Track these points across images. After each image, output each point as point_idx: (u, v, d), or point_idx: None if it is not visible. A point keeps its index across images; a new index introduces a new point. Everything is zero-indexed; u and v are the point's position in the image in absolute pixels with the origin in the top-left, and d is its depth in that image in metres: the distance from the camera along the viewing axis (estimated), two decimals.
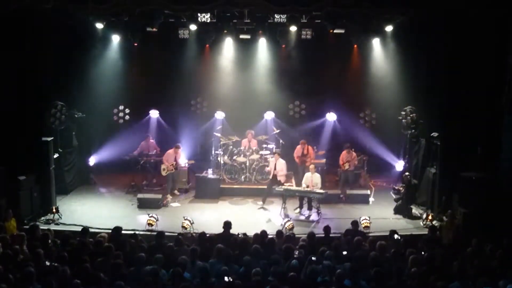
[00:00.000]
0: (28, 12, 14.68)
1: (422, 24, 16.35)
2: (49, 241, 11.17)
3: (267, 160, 17.96)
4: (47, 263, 9.60)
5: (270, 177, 16.79)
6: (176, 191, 17.68)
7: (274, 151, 17.74)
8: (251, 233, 12.14)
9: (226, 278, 8.91)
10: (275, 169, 16.61)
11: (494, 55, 14.40)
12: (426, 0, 14.87)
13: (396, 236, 11.94)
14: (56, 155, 16.38)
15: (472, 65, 14.70)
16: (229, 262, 9.87)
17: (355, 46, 19.12)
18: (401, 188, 16.63)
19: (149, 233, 13.68)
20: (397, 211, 15.94)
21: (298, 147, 17.93)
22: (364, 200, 17.10)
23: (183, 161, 18.06)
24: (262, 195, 16.79)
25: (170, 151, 17.40)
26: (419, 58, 17.19)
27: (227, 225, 12.23)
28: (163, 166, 17.28)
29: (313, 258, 9.82)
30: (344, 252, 10.59)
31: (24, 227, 13.22)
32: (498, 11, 13.92)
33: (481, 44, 14.47)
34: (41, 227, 13.04)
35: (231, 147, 18.68)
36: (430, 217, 14.81)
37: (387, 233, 12.47)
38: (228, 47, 19.59)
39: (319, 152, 18.60)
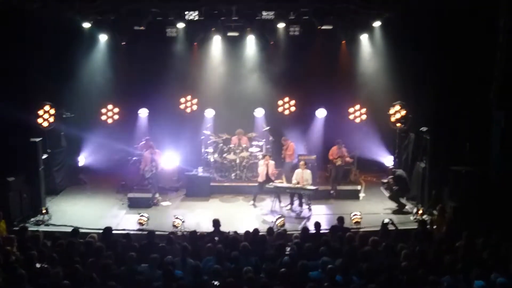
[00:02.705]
0: (14, 12, 14.57)
1: (410, 19, 16.40)
2: (40, 242, 11.09)
3: (257, 158, 17.94)
4: (38, 265, 9.52)
5: (264, 179, 16.63)
6: (158, 195, 17.10)
7: (264, 153, 17.65)
8: (242, 230, 12.14)
9: (215, 282, 8.89)
10: (267, 171, 16.57)
11: (482, 51, 14.46)
12: None
13: (386, 220, 12.18)
14: (45, 156, 16.27)
15: (461, 60, 14.75)
16: (221, 260, 9.85)
17: (343, 42, 19.10)
18: (390, 181, 16.70)
19: (140, 232, 13.63)
20: (393, 198, 16.07)
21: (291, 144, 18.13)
22: (354, 195, 17.18)
23: (160, 155, 17.65)
24: (252, 194, 16.78)
25: (146, 152, 17.27)
26: (408, 53, 17.24)
27: (216, 223, 12.22)
28: (145, 169, 17.08)
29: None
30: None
31: (14, 228, 13.13)
32: (487, 8, 13.98)
33: (470, 40, 14.52)
34: (31, 229, 13.02)
35: (221, 145, 18.65)
36: (420, 211, 14.87)
37: (378, 228, 12.56)
38: (216, 44, 19.50)
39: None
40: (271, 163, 16.72)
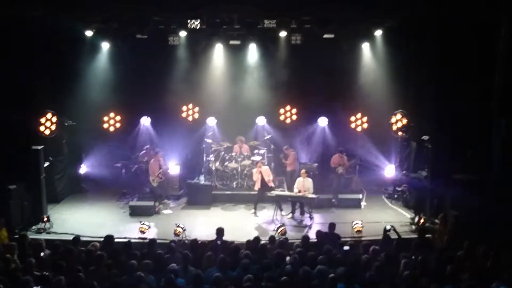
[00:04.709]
0: (17, 20, 14.62)
1: (411, 28, 16.44)
2: (41, 250, 11.08)
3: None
4: (37, 274, 9.50)
5: (260, 186, 16.63)
6: (166, 200, 17.45)
7: (257, 162, 17.51)
8: (243, 239, 12.12)
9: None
10: (262, 178, 16.53)
11: (483, 59, 14.48)
12: (414, 4, 14.94)
13: (388, 226, 12.22)
14: (46, 164, 16.29)
15: (462, 68, 14.77)
16: (222, 268, 9.83)
17: (345, 50, 19.11)
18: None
19: (141, 240, 13.61)
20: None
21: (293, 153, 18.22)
22: (356, 204, 17.15)
23: (167, 165, 17.85)
24: (253, 203, 16.72)
25: (152, 161, 17.27)
26: (409, 61, 17.28)
27: (220, 232, 12.19)
28: (151, 178, 17.07)
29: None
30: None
31: (15, 236, 13.12)
32: (487, 16, 14.02)
33: (471, 47, 14.55)
34: (33, 236, 13.00)
35: (222, 153, 18.65)
36: (422, 220, 14.83)
37: (380, 237, 12.53)
38: (218, 53, 19.54)
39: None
40: (264, 168, 16.68)
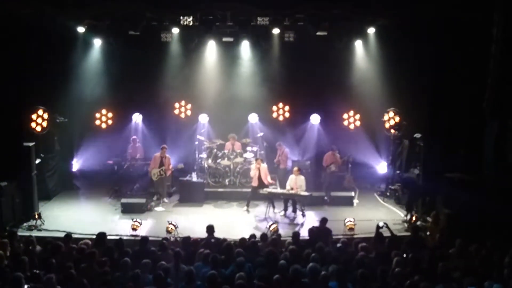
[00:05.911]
0: (8, 16, 14.53)
1: (404, 26, 16.46)
2: (30, 247, 11.03)
3: (252, 163, 17.88)
4: (27, 271, 9.45)
5: (257, 183, 16.62)
6: (165, 199, 17.45)
7: (256, 157, 17.58)
8: (236, 236, 12.10)
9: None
10: (260, 175, 16.54)
11: (476, 59, 14.52)
12: (407, 3, 14.96)
13: (380, 223, 12.27)
14: (38, 161, 16.18)
15: (455, 68, 14.81)
16: (215, 266, 9.80)
17: (338, 48, 19.08)
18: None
19: (133, 238, 13.57)
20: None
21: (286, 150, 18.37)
22: (348, 202, 17.15)
23: (171, 164, 17.89)
24: (246, 199, 16.75)
25: (157, 154, 17.27)
26: (403, 59, 17.31)
27: (210, 229, 12.18)
28: (153, 171, 17.08)
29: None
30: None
31: (5, 233, 13.04)
32: (480, 16, 14.06)
33: (464, 48, 14.58)
34: (24, 233, 12.91)
35: (215, 150, 18.61)
36: (414, 218, 14.86)
37: (372, 235, 12.55)
38: (211, 50, 19.50)
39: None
40: (263, 166, 16.68)
